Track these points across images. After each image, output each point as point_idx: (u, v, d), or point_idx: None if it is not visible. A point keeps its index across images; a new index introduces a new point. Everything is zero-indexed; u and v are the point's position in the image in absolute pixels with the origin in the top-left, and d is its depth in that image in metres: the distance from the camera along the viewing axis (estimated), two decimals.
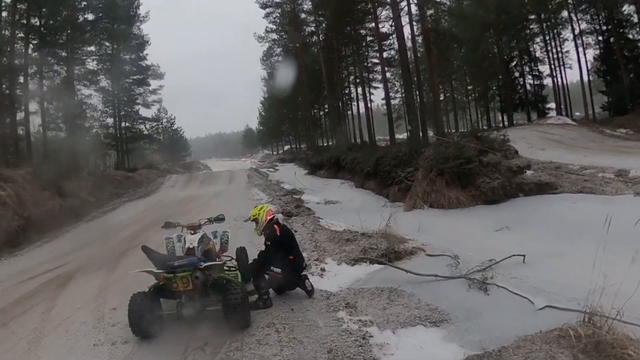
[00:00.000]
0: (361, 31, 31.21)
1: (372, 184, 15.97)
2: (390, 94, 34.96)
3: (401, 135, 34.88)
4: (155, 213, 13.80)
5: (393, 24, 17.33)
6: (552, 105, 32.68)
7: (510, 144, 14.08)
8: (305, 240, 7.76)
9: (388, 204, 13.04)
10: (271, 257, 5.02)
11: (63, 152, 17.52)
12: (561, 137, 22.32)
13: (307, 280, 5.23)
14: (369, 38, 32.04)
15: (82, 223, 12.94)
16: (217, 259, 5.31)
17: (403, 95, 36.20)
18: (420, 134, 16.62)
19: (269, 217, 5.25)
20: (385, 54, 29.54)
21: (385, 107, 34.73)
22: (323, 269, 6.14)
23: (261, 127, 54.91)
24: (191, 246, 4.89)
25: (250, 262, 5.49)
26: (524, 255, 6.37)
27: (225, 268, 5.36)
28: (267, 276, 5.03)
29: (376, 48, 31.98)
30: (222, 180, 22.84)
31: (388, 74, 33.13)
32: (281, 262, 5.02)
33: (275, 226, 5.22)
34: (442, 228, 9.48)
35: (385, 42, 28.72)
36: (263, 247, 5.26)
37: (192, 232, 5.24)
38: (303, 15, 33.32)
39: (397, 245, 7.07)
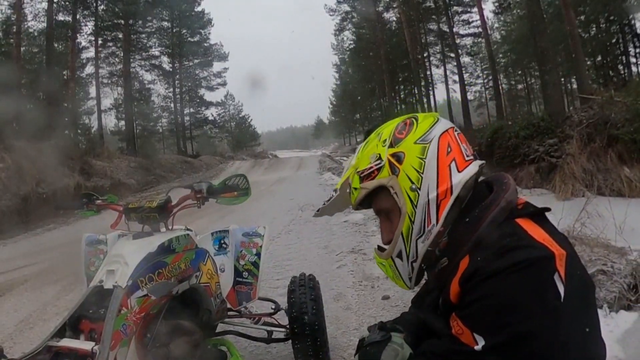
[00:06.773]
0: None
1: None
2: (470, 80, 30.71)
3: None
4: None
5: None
6: None
7: None
8: None
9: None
10: None
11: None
12: None
13: None
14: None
15: None
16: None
17: (486, 79, 30.92)
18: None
19: None
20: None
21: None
22: None
23: (332, 117, 51.77)
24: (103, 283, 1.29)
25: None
26: None
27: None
28: None
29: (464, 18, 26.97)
30: (289, 166, 19.69)
31: (467, 59, 29.28)
32: None
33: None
34: None
35: None
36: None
37: (143, 226, 1.59)
38: None
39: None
